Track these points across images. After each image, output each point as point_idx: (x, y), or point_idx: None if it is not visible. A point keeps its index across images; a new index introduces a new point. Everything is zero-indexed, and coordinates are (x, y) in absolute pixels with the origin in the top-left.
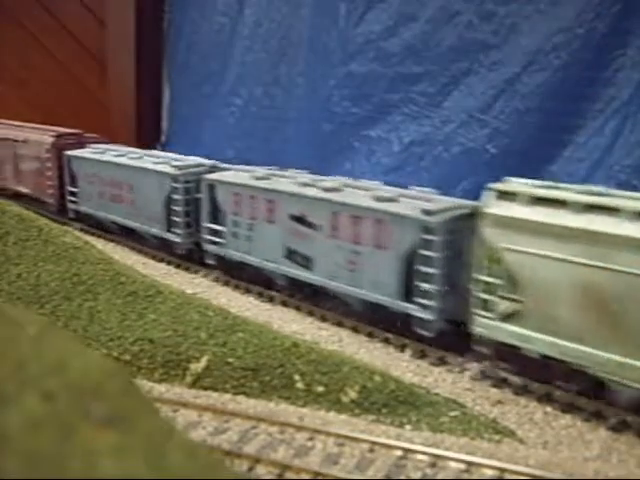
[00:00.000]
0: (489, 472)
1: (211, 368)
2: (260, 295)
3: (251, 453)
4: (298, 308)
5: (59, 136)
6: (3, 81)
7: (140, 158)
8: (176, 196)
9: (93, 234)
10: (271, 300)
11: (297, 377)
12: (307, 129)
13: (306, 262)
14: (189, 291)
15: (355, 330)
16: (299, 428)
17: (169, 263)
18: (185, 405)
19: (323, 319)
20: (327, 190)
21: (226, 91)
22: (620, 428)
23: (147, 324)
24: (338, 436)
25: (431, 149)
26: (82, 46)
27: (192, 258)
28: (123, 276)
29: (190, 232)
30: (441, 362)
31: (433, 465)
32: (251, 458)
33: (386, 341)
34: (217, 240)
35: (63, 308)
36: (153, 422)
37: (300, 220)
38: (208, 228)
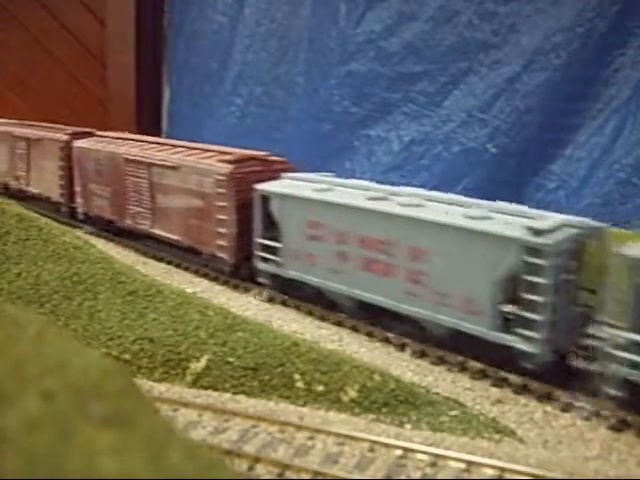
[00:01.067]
0: (489, 471)
1: (211, 367)
2: (260, 295)
3: (251, 452)
4: (298, 308)
5: (238, 161)
6: (4, 81)
7: (422, 206)
8: (534, 278)
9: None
10: (271, 300)
11: (297, 376)
12: (307, 128)
13: None
14: (189, 290)
15: (355, 329)
16: (299, 427)
17: (169, 262)
18: (185, 404)
19: (323, 318)
20: None
21: (226, 91)
22: (620, 427)
23: (147, 323)
24: (338, 435)
25: (431, 148)
26: (82, 46)
27: (544, 374)
28: (123, 275)
29: (554, 338)
30: (441, 361)
31: (433, 464)
32: (251, 457)
33: (386, 340)
34: None
35: (63, 307)
36: (153, 421)
37: None
38: (625, 340)
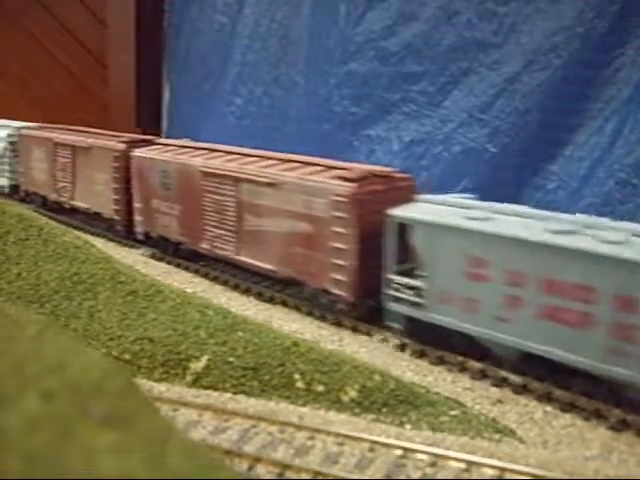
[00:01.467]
0: (489, 471)
1: (211, 367)
2: (260, 295)
3: (251, 452)
4: (298, 308)
5: (360, 179)
6: (4, 81)
7: (632, 244)
8: None
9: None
10: (271, 300)
11: (297, 376)
12: (307, 128)
13: None
14: (189, 290)
15: (355, 330)
16: (299, 427)
17: (169, 263)
18: (185, 404)
19: (323, 318)
20: None
21: (226, 91)
22: (620, 427)
23: (147, 323)
24: (338, 435)
25: (431, 148)
26: (82, 46)
27: None
28: (123, 275)
29: None
30: (441, 361)
31: (433, 464)
32: (251, 457)
33: (386, 340)
34: None
35: (63, 307)
36: (153, 421)
37: None
38: None
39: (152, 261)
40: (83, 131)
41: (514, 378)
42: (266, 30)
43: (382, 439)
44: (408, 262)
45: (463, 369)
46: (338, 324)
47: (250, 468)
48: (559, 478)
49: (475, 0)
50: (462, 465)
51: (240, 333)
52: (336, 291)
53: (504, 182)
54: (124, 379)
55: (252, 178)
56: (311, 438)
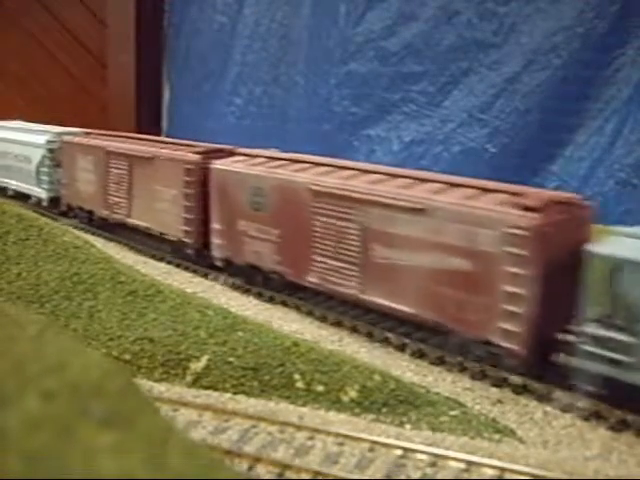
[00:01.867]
0: (489, 471)
1: (211, 367)
2: (260, 295)
3: (251, 452)
4: (298, 308)
5: (545, 209)
6: (4, 81)
7: None
8: None
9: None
10: (271, 300)
11: (297, 376)
12: (307, 128)
13: None
14: (189, 290)
15: (355, 330)
16: (299, 427)
17: (169, 263)
18: (185, 404)
19: (323, 319)
20: None
21: (226, 91)
22: (620, 427)
23: (147, 323)
24: (338, 435)
25: (431, 148)
26: (82, 46)
27: None
28: (123, 275)
29: None
30: (441, 361)
31: (433, 464)
32: (251, 457)
33: (386, 340)
34: None
35: (63, 307)
36: (153, 421)
37: None
38: None
39: (152, 261)
40: (140, 138)
41: (514, 378)
42: (266, 30)
43: (382, 439)
44: (606, 310)
45: (463, 369)
46: (338, 324)
47: (250, 468)
48: (559, 478)
49: (475, 0)
50: (462, 465)
51: (240, 333)
52: (504, 343)
53: (504, 182)
54: (124, 379)
55: (387, 202)
56: (311, 438)
